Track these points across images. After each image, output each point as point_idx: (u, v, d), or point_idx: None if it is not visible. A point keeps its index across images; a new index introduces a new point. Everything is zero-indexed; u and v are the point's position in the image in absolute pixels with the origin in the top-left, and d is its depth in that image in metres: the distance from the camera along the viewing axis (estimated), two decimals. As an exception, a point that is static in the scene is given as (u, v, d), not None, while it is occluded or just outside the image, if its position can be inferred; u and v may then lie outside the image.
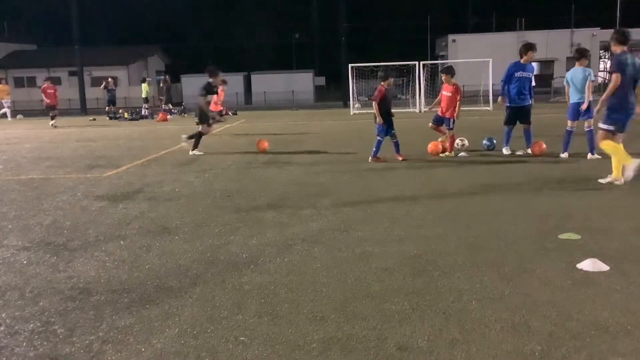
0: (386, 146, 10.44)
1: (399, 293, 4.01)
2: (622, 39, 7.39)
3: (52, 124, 21.91)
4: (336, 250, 5.07)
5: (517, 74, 10.35)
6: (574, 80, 9.54)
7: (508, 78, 10.43)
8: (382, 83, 10.27)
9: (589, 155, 9.59)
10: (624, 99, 7.37)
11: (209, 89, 12.29)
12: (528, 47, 10.44)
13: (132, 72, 45.20)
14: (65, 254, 5.25)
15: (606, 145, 7.54)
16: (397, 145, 10.37)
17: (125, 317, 3.78)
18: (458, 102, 10.62)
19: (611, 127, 7.49)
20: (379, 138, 10.22)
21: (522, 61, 10.42)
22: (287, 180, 8.76)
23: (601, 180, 7.62)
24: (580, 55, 9.64)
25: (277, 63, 53.34)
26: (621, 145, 7.50)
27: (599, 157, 9.29)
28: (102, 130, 20.65)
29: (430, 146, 10.91)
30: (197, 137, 12.20)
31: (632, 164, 7.24)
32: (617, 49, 7.47)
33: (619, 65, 7.31)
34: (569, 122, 9.79)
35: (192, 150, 12.12)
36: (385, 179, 8.57)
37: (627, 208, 6.29)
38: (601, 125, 7.61)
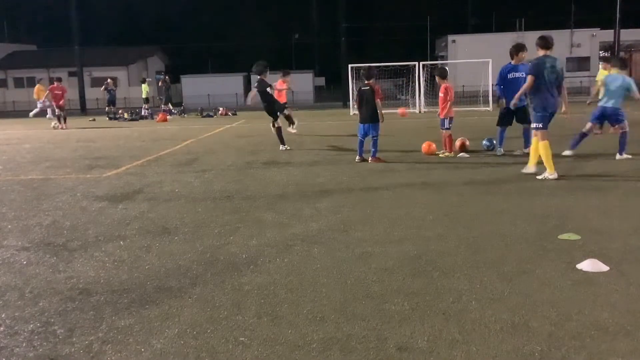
0: (383, 147, 10.44)
1: (398, 293, 4.01)
2: (544, 44, 8.09)
3: (53, 125, 21.37)
4: (336, 250, 5.07)
5: (510, 76, 10.36)
6: (609, 85, 9.56)
7: (502, 81, 10.46)
8: (371, 81, 10.33)
9: (617, 156, 9.66)
10: (545, 99, 8.04)
11: (263, 85, 12.47)
12: (518, 48, 10.46)
13: (132, 72, 45.19)
14: (65, 254, 5.25)
15: (544, 147, 8.07)
16: (362, 145, 10.47)
17: (125, 317, 3.78)
18: (449, 103, 10.71)
19: (540, 125, 8.12)
20: (375, 137, 10.24)
21: (513, 62, 10.42)
22: (287, 180, 8.76)
23: (538, 177, 8.09)
24: (622, 63, 9.74)
25: (277, 63, 53.35)
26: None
27: (629, 157, 9.51)
28: (102, 130, 20.65)
29: (424, 146, 10.97)
30: (277, 132, 12.56)
31: (548, 173, 8.05)
32: (540, 52, 8.12)
33: (535, 68, 8.02)
34: (590, 125, 9.77)
35: (282, 145, 12.45)
36: (385, 179, 8.57)
37: (627, 208, 6.29)
38: (534, 126, 8.24)
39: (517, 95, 8.81)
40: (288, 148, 12.35)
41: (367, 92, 10.24)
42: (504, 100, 10.47)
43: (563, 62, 39.72)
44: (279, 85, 14.77)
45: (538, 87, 8.06)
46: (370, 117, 10.25)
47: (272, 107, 12.57)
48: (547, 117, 8.12)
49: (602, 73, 13.89)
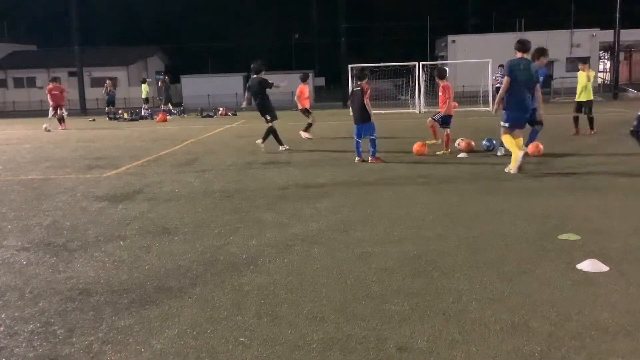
0: (382, 147, 10.44)
1: (398, 293, 4.01)
2: (521, 47, 8.52)
3: (45, 127, 20.32)
4: (336, 250, 5.07)
5: None
6: None
7: None
8: (363, 82, 10.35)
9: None
10: (517, 100, 8.43)
11: (266, 85, 12.21)
12: (540, 53, 10.44)
13: (132, 72, 45.21)
14: (65, 254, 5.25)
15: (504, 139, 8.67)
16: (359, 146, 10.44)
17: (125, 317, 3.78)
18: (448, 100, 11.01)
19: (506, 124, 8.60)
20: (373, 137, 10.25)
21: None
22: (287, 180, 8.76)
23: (506, 170, 8.61)
24: None
25: (276, 64, 53.38)
26: (519, 140, 8.65)
27: None
28: (102, 130, 20.64)
29: (416, 147, 10.99)
30: (272, 134, 12.30)
31: (512, 168, 8.54)
32: (517, 55, 8.56)
33: (509, 71, 8.45)
34: None
35: (281, 146, 12.32)
36: (385, 180, 8.57)
37: (626, 208, 6.29)
38: (501, 123, 8.71)
39: (497, 100, 8.85)
40: (287, 148, 12.32)
41: (359, 93, 10.26)
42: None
43: (563, 63, 39.93)
44: (301, 91, 14.60)
45: (510, 88, 8.43)
46: (362, 117, 10.27)
47: (262, 107, 12.31)
48: (515, 117, 8.51)
49: (582, 75, 13.91)
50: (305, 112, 14.91)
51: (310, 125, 14.81)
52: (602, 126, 14.19)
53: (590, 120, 13.61)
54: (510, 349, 3.17)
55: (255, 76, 12.33)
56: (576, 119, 13.68)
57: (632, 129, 8.17)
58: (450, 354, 3.14)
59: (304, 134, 14.67)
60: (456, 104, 11.99)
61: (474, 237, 5.32)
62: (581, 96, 13.81)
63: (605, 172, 8.52)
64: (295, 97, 14.85)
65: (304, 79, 14.93)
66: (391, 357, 3.14)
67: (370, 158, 10.24)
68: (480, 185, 7.91)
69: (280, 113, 13.54)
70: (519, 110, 8.50)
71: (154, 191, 8.22)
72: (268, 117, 12.23)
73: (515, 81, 8.36)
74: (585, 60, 14.87)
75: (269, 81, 12.28)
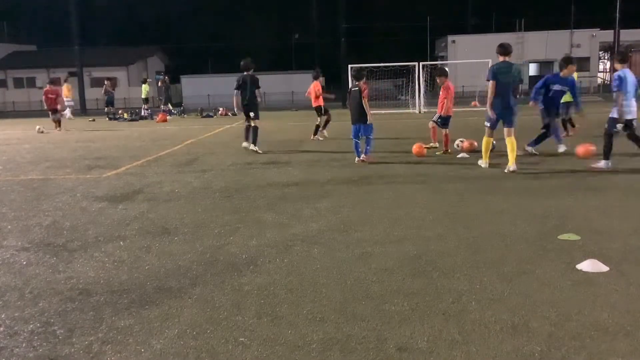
0: (383, 147, 10.43)
1: (398, 294, 4.01)
2: (502, 51, 8.93)
3: (38, 129, 20.04)
4: (336, 250, 5.07)
5: (554, 87, 10.29)
6: None
7: (543, 84, 10.42)
8: (360, 82, 10.34)
9: None
10: (501, 101, 8.79)
11: (257, 83, 12.23)
12: (568, 61, 10.42)
13: (132, 72, 45.21)
14: (65, 254, 5.25)
15: (483, 142, 9.25)
16: (358, 146, 10.41)
17: (124, 317, 3.78)
18: (445, 100, 11.14)
19: (487, 124, 9.07)
20: (370, 137, 10.26)
21: (561, 74, 10.37)
22: (287, 180, 8.76)
23: (505, 170, 8.77)
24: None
25: (276, 64, 53.36)
26: (512, 140, 8.77)
27: None
28: (102, 131, 20.64)
29: (414, 148, 10.96)
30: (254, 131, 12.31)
31: (482, 162, 9.29)
32: (500, 59, 8.95)
33: (492, 75, 8.80)
34: None
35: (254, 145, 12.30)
36: (385, 179, 8.57)
37: (626, 208, 6.29)
38: (485, 123, 9.14)
39: (488, 104, 8.95)
40: (250, 148, 12.11)
41: (357, 93, 10.25)
42: (539, 104, 10.45)
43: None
44: (315, 89, 14.41)
45: (495, 89, 8.77)
46: (359, 117, 10.26)
47: (252, 105, 12.19)
48: (498, 118, 8.84)
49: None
50: (319, 110, 14.58)
51: (318, 127, 14.61)
52: (601, 127, 14.16)
53: (570, 120, 13.68)
54: (510, 349, 3.17)
55: (246, 73, 12.26)
56: (563, 122, 13.71)
57: (613, 131, 8.83)
58: (450, 354, 3.14)
59: (315, 137, 14.41)
60: (476, 103, 12.04)
61: (474, 237, 5.32)
62: (565, 98, 13.80)
63: (605, 172, 8.51)
64: (314, 94, 14.64)
65: (316, 76, 14.81)
66: (391, 357, 3.14)
67: (363, 155, 10.23)
68: (480, 185, 7.91)
69: (280, 113, 13.51)
70: (502, 110, 8.81)
71: (154, 191, 8.22)
72: (252, 115, 12.17)
73: (499, 83, 8.72)
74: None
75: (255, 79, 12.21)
